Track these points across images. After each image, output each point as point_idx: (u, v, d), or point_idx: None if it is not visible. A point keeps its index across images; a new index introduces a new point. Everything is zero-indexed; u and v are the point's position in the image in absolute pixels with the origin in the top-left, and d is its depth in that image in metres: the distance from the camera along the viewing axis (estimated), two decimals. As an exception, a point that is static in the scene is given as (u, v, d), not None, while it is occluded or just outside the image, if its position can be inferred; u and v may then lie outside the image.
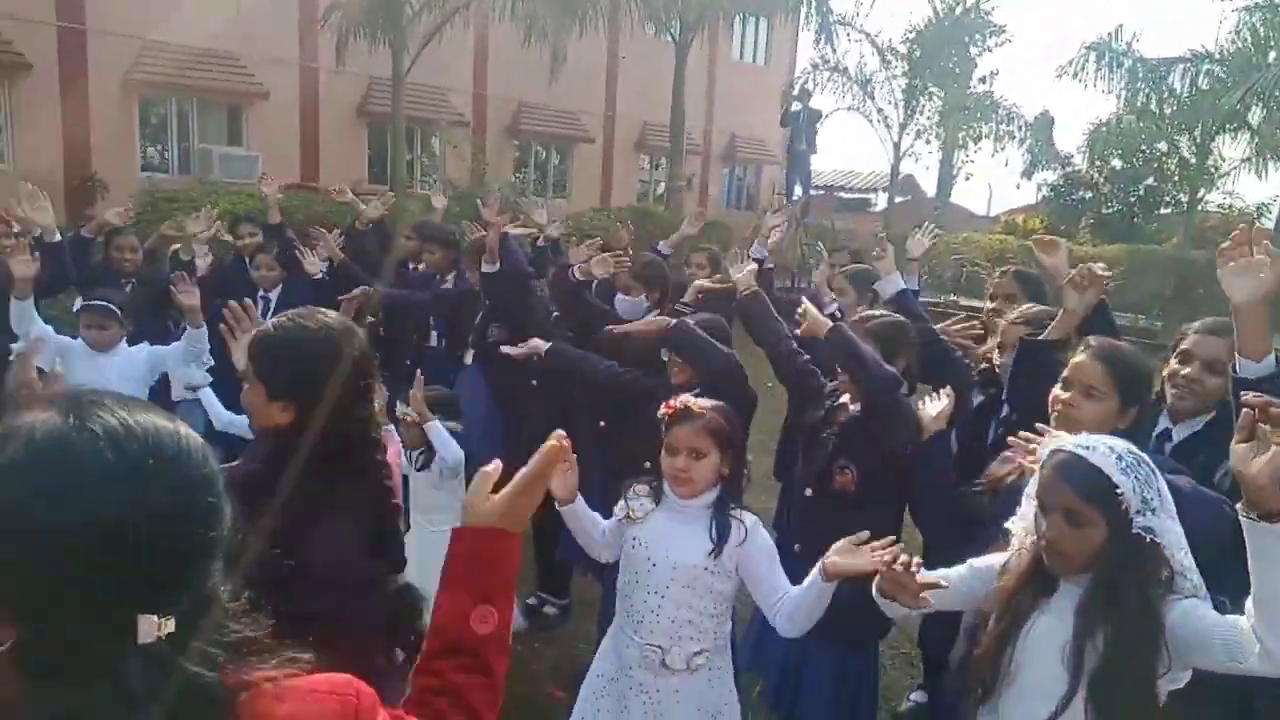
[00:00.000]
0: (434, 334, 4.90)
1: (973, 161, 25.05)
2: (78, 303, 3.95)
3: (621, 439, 3.42)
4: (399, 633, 1.89)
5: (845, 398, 2.88)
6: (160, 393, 4.12)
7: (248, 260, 5.12)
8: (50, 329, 3.62)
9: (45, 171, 12.80)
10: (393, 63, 13.59)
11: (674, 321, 3.17)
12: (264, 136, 15.33)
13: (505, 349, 3.61)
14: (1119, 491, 1.67)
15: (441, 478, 3.48)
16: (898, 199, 21.29)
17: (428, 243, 4.89)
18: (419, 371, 3.52)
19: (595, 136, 20.20)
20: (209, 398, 3.82)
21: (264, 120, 15.43)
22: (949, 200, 22.77)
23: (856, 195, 26.84)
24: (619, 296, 3.94)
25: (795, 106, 15.43)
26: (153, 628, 0.74)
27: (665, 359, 3.25)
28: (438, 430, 3.41)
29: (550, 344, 3.53)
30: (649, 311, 3.78)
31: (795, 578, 2.86)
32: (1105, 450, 1.73)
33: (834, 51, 17.72)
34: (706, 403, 2.39)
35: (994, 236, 17.57)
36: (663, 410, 2.38)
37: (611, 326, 3.29)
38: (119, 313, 3.71)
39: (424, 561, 3.42)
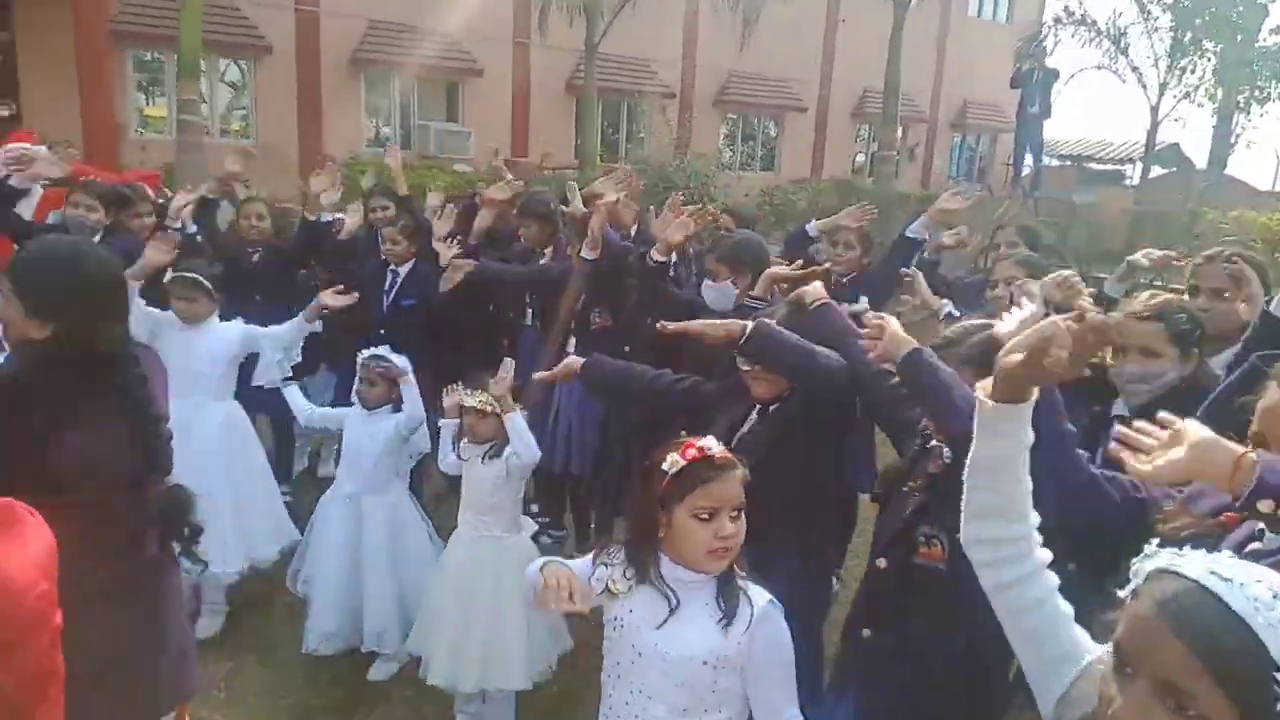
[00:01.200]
0: (529, 313, 4.60)
1: (1255, 128, 21.42)
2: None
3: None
4: (172, 524, 2.05)
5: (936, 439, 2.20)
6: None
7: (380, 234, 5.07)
8: (142, 302, 3.65)
9: (282, 146, 13.98)
10: (586, 33, 13.52)
11: (751, 324, 2.58)
12: (478, 112, 15.87)
13: (540, 375, 3.16)
14: (1278, 676, 0.92)
15: (508, 477, 3.16)
16: (1157, 170, 18.59)
17: (524, 216, 4.57)
18: (508, 357, 3.22)
19: (808, 105, 19.26)
20: (293, 395, 3.78)
21: (478, 96, 15.97)
22: (1224, 173, 19.62)
23: (1108, 167, 23.86)
24: (705, 283, 3.42)
25: (1026, 65, 13.69)
26: None
27: (745, 368, 2.67)
28: (517, 424, 3.09)
29: (586, 360, 3.01)
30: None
31: (861, 667, 2.26)
32: (1263, 593, 0.96)
33: (1081, 3, 15.62)
34: (713, 441, 1.87)
35: (1277, 216, 14.81)
36: (679, 459, 1.82)
37: (665, 324, 2.71)
38: (208, 285, 3.68)
39: (470, 561, 3.20)
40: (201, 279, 3.66)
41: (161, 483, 2.03)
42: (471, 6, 14.78)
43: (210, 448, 3.59)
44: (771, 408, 2.63)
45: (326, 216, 4.78)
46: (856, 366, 2.44)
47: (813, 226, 4.40)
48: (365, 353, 3.62)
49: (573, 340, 4.27)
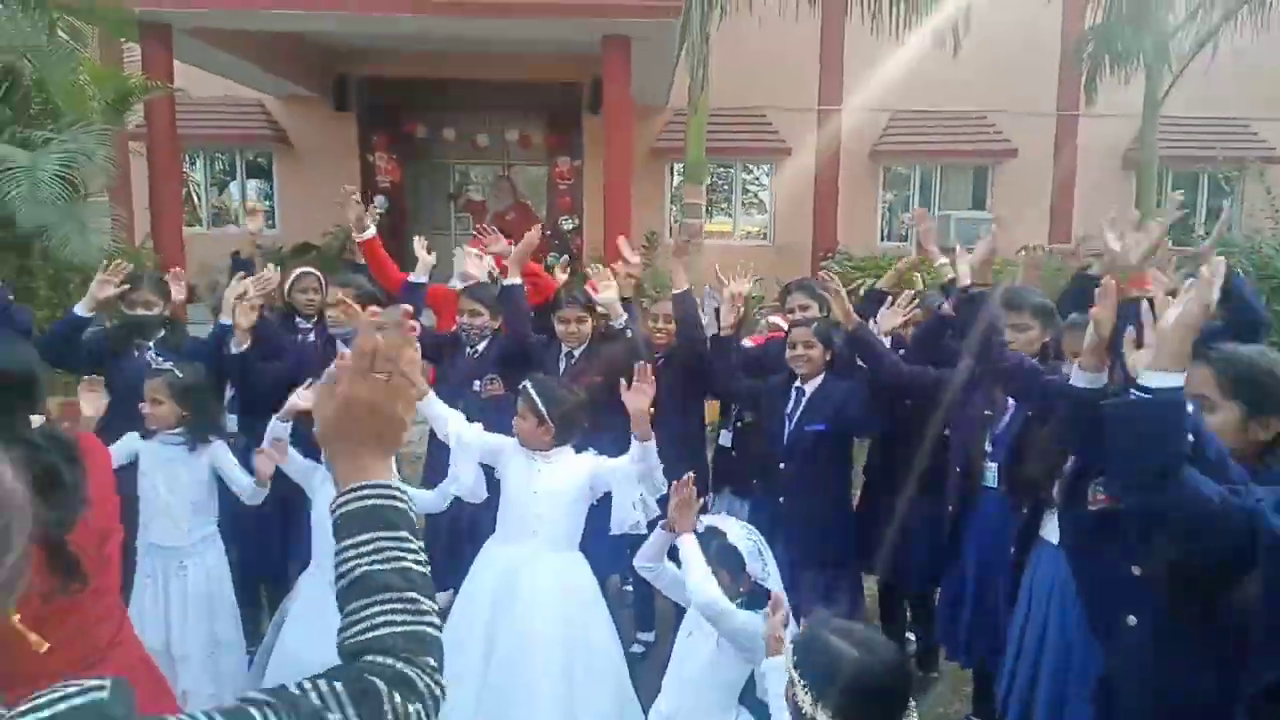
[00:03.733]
0: (990, 467, 3.14)
1: None
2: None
3: None
4: None
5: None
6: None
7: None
8: (479, 427, 3.21)
9: (798, 245, 14.01)
10: (1145, 91, 11.08)
11: None
12: (1009, 196, 14.18)
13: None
14: None
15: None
16: None
17: (1015, 310, 3.14)
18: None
19: None
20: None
21: (1011, 179, 14.30)
22: None
23: None
24: None
25: None
26: (37, 420, 1.58)
27: None
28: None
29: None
30: None
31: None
32: None
33: None
34: None
35: None
36: None
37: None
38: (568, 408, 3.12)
39: None
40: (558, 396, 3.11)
41: None
42: (1005, 83, 13.35)
43: (538, 608, 2.96)
44: None
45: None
46: None
47: None
48: (725, 524, 2.63)
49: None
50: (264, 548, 3.72)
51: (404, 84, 13.25)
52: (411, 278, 4.09)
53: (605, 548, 3.23)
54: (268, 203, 14.79)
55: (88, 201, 7.92)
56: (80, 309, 3.79)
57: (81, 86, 7.57)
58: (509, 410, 3.82)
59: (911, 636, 3.96)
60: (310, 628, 3.10)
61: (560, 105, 13.66)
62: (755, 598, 2.49)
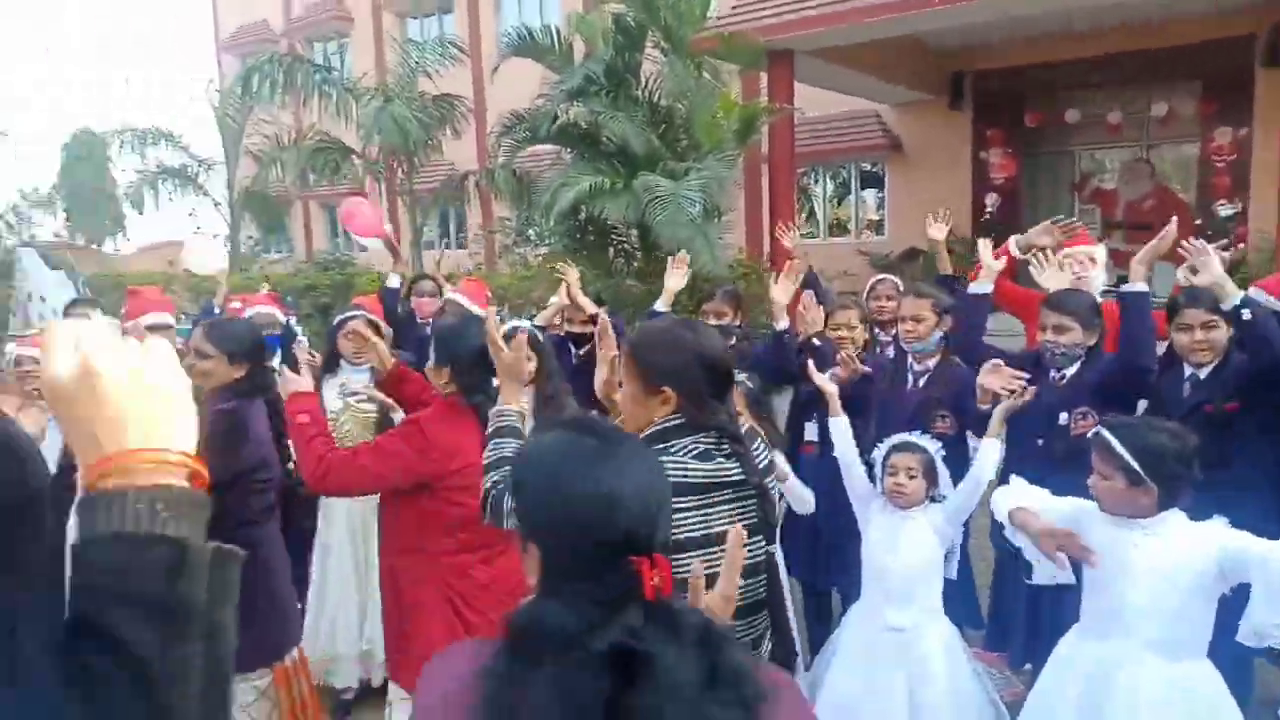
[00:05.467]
0: None
1: None
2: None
3: None
4: None
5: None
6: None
7: None
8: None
9: None
10: None
11: None
12: None
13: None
14: None
15: None
16: None
17: None
18: None
19: None
20: None
21: None
22: None
23: None
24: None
25: None
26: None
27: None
28: None
29: None
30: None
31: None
32: None
33: None
34: None
35: None
36: None
37: None
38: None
39: None
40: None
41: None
42: None
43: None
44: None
45: None
46: None
47: None
48: None
49: None
50: (813, 553, 3.61)
51: (1019, 73, 12.34)
52: (973, 287, 3.55)
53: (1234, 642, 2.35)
54: (880, 211, 15.15)
55: (719, 221, 8.93)
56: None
57: (717, 120, 8.54)
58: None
59: None
60: (854, 669, 2.88)
61: (1218, 66, 11.26)
62: None
